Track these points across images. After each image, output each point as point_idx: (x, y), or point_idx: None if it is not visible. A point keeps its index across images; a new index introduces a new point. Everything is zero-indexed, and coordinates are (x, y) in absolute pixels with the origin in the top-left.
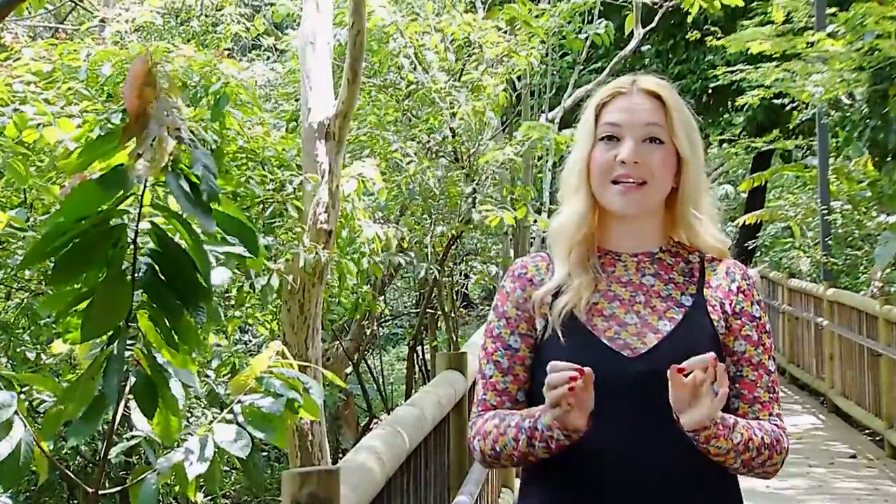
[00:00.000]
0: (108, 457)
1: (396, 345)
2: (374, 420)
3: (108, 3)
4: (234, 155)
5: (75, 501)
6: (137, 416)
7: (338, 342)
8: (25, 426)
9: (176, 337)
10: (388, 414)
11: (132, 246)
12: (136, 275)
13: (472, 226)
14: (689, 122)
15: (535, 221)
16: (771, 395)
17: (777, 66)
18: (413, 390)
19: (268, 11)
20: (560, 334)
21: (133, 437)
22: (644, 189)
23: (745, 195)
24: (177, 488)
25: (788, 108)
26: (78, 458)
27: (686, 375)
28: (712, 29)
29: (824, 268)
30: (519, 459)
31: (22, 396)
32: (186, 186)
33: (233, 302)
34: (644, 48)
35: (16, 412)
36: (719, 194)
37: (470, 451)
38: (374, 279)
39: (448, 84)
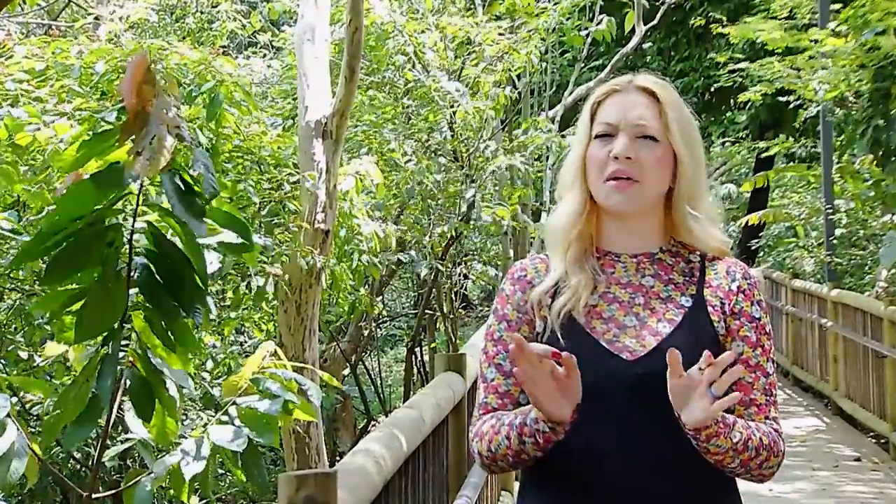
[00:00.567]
0: (102, 460)
1: (394, 346)
2: (372, 422)
3: (102, 0)
4: (230, 154)
5: None
6: (132, 419)
7: (335, 344)
8: (18, 429)
9: (172, 338)
10: (387, 416)
11: (127, 245)
12: (131, 275)
13: (471, 225)
14: (686, 120)
15: (525, 228)
16: (768, 398)
17: (781, 62)
18: (411, 392)
19: (264, 8)
20: (559, 336)
21: (127, 439)
22: (638, 186)
23: (747, 195)
24: (171, 492)
25: (792, 105)
26: (71, 461)
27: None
28: (718, 17)
29: (828, 268)
30: (514, 459)
31: (14, 399)
32: (182, 186)
33: (229, 304)
34: (646, 45)
35: (8, 415)
36: (722, 194)
37: (470, 454)
38: (372, 280)
39: (448, 83)
